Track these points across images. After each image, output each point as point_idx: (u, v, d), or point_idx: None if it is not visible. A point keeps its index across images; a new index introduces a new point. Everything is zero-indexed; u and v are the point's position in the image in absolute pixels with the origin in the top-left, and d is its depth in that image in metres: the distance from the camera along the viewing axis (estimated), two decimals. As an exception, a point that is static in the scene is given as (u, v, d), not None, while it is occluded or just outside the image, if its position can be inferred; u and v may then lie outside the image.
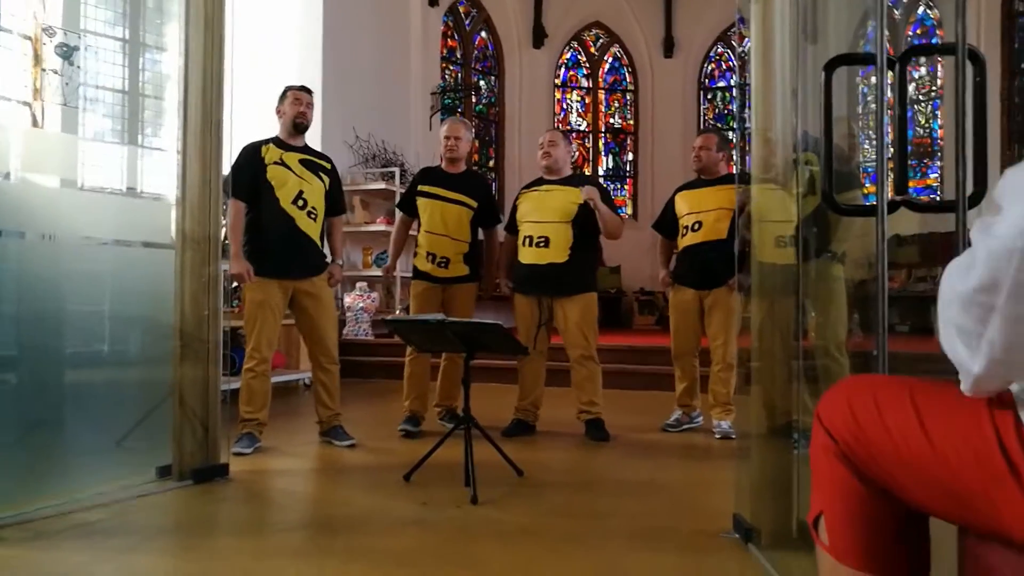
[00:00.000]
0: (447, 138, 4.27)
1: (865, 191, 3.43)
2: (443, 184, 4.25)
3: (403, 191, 4.62)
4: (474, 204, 4.23)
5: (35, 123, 5.44)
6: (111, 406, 3.11)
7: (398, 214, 4.55)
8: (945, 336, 0.94)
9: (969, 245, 0.93)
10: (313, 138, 3.99)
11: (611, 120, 11.74)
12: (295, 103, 3.80)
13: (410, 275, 4.37)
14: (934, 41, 9.27)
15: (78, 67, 5.66)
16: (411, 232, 4.53)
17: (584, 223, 4.06)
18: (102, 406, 3.09)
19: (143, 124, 6.37)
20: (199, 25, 3.07)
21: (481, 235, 4.40)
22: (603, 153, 11.70)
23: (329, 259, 3.98)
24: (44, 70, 5.52)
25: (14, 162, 2.86)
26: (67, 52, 5.58)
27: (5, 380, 2.83)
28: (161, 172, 3.71)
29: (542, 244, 4.05)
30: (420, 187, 4.29)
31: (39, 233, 2.96)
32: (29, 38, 5.53)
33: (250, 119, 4.05)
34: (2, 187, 2.75)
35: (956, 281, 0.90)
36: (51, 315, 2.93)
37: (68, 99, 5.57)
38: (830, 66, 1.76)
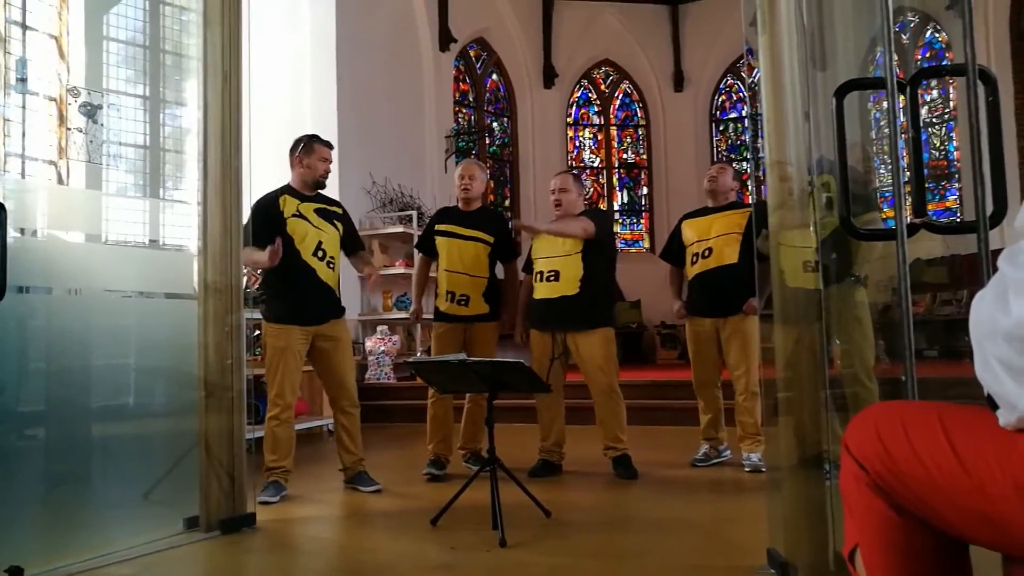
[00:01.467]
0: (461, 178, 4.34)
1: (884, 215, 3.41)
2: (459, 222, 4.29)
3: (420, 234, 4.65)
4: (490, 239, 4.25)
5: (60, 180, 5.58)
6: (138, 459, 3.12)
7: (417, 255, 4.60)
8: (986, 368, 0.92)
9: (995, 269, 0.92)
10: (331, 185, 4.04)
11: (624, 155, 11.81)
12: (323, 161, 3.86)
13: (431, 317, 4.38)
14: (944, 63, 9.28)
15: (101, 125, 5.81)
16: (431, 274, 4.56)
17: (593, 254, 4.06)
18: (129, 459, 3.10)
19: (164, 178, 6.51)
20: (216, 80, 3.15)
21: (500, 273, 4.41)
22: (617, 188, 11.74)
23: (365, 291, 4.03)
24: (69, 129, 5.67)
25: (40, 220, 2.92)
26: (91, 111, 5.73)
27: (34, 435, 2.85)
28: (182, 224, 3.77)
29: (552, 278, 4.06)
30: (437, 226, 4.34)
31: (65, 288, 3.01)
32: (54, 99, 5.69)
33: (267, 169, 4.11)
34: (30, 244, 2.80)
35: (998, 314, 0.88)
36: (78, 369, 2.96)
37: (92, 156, 5.71)
38: (841, 92, 1.76)
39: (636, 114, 11.82)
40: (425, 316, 4.70)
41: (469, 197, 4.32)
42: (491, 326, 4.27)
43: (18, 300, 2.61)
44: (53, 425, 2.87)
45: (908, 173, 1.70)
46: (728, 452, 4.29)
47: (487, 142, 10.86)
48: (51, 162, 5.65)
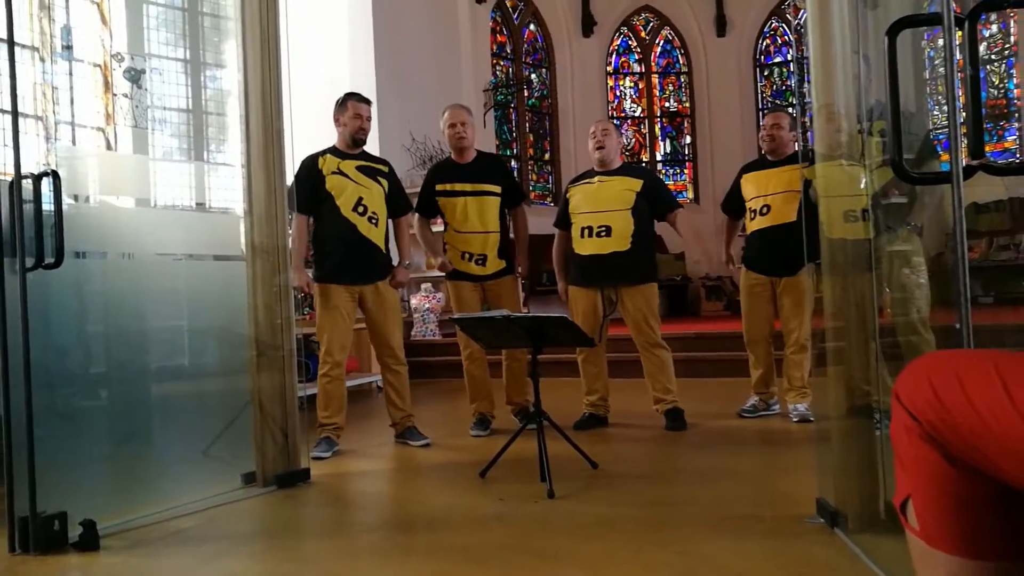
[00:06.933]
0: (452, 125, 4.09)
1: (942, 158, 3.30)
2: (460, 177, 4.10)
3: (418, 195, 4.30)
4: (497, 189, 4.10)
5: (109, 146, 5.69)
6: (195, 417, 3.21)
7: (416, 217, 4.28)
8: None
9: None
10: (370, 143, 4.02)
11: (666, 104, 11.57)
12: (355, 118, 3.81)
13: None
14: (1004, -4, 8.80)
15: (145, 89, 5.88)
16: (438, 229, 4.40)
17: (642, 209, 4.01)
18: (187, 417, 3.20)
19: (208, 140, 6.60)
20: (255, 40, 3.15)
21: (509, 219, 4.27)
22: (660, 138, 11.54)
23: (396, 261, 4.02)
24: (115, 95, 5.76)
25: (92, 186, 2.99)
26: (135, 76, 5.80)
27: (98, 396, 2.96)
28: (227, 186, 3.82)
29: (603, 233, 3.99)
30: (437, 186, 4.14)
31: (119, 252, 3.09)
32: (99, 66, 5.78)
33: (309, 128, 4.14)
34: (83, 210, 2.87)
35: None
36: (135, 331, 3.04)
37: (138, 121, 5.80)
38: (893, 30, 1.69)
39: (678, 61, 11.54)
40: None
41: (464, 146, 4.11)
42: (510, 280, 4.19)
43: (76, 265, 2.68)
44: (115, 386, 2.98)
45: (964, 114, 1.64)
46: (777, 406, 4.26)
47: (526, 94, 10.72)
48: (99, 128, 5.76)
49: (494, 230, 4.10)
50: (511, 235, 4.28)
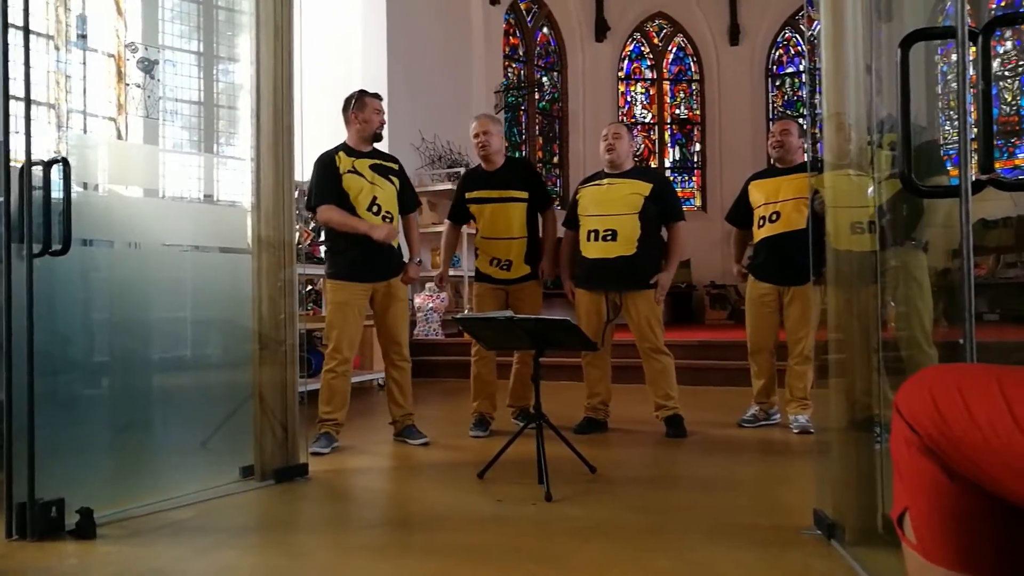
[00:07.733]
0: (476, 135, 4.16)
1: (952, 173, 3.29)
2: (488, 185, 4.17)
3: (452, 202, 4.47)
4: (525, 195, 4.14)
5: (120, 136, 5.71)
6: (196, 409, 3.22)
7: (447, 223, 4.46)
8: None
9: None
10: (380, 141, 4.03)
11: (677, 111, 11.56)
12: (377, 113, 3.87)
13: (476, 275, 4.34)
14: (1022, 10, 8.77)
15: (158, 80, 5.90)
16: (470, 230, 4.46)
17: (649, 214, 4.00)
18: (188, 409, 3.20)
19: (218, 134, 6.61)
20: (269, 35, 3.16)
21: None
22: (669, 145, 11.52)
23: (406, 258, 4.04)
24: (127, 85, 5.78)
25: (101, 175, 3.00)
26: (148, 66, 5.82)
27: (100, 385, 2.96)
28: (235, 179, 3.83)
29: (609, 237, 3.99)
30: (467, 194, 4.23)
31: (126, 242, 3.10)
32: (113, 56, 5.80)
33: (319, 125, 4.14)
34: (92, 199, 2.88)
35: None
36: (139, 321, 3.05)
37: (149, 111, 5.81)
38: (907, 42, 1.68)
39: (690, 68, 11.54)
40: (470, 273, 4.66)
41: (488, 154, 4.16)
42: (534, 286, 4.21)
43: (83, 253, 2.69)
44: (116, 375, 2.98)
45: (975, 129, 1.63)
46: (778, 416, 4.25)
47: (537, 97, 10.73)
48: (111, 118, 5.78)
49: (520, 236, 4.13)
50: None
